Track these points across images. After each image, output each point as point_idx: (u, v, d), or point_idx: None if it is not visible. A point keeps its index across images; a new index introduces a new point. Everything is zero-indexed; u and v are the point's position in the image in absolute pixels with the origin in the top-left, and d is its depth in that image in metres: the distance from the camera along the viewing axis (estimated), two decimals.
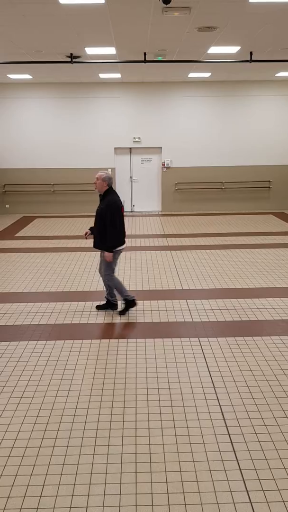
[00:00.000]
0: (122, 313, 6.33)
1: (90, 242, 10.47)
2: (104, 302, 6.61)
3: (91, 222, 12.96)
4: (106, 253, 5.98)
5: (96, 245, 6.13)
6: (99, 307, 6.50)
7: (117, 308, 6.47)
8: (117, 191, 14.57)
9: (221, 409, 4.07)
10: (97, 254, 9.43)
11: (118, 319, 6.14)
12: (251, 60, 9.63)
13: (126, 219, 13.50)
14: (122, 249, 6.16)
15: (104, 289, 6.59)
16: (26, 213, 14.69)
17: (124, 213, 6.24)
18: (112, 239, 5.94)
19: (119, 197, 6.11)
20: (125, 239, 6.22)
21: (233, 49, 9.17)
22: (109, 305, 6.48)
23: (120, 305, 6.48)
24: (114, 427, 3.82)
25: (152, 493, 3.10)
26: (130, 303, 6.33)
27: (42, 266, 8.67)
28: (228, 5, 6.28)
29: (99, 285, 7.51)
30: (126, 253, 9.50)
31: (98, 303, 6.71)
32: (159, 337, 5.57)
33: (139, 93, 14.01)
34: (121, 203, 6.08)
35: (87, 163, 14.46)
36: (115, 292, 6.39)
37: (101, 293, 7.12)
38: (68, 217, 13.88)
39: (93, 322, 6.07)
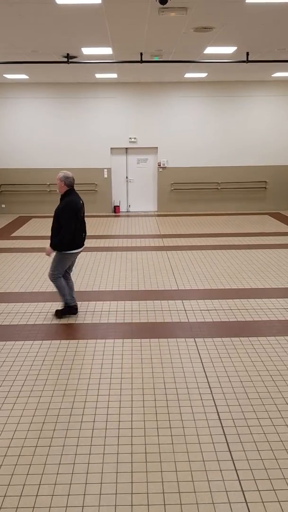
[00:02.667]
0: (58, 315, 6.23)
1: (86, 242, 10.47)
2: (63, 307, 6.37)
3: (87, 222, 12.96)
4: (48, 248, 5.85)
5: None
6: (58, 314, 6.27)
7: (76, 312, 6.33)
8: (112, 191, 14.68)
9: (216, 409, 4.08)
10: (87, 255, 9.42)
11: (114, 319, 6.15)
12: (247, 61, 9.65)
13: (122, 219, 13.50)
14: (79, 252, 6.07)
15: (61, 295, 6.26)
16: (22, 213, 14.67)
17: (84, 214, 6.04)
18: (62, 240, 5.77)
19: (79, 198, 5.99)
20: (84, 242, 6.12)
21: (230, 50, 9.18)
22: (69, 310, 6.32)
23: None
24: (109, 427, 3.83)
25: (147, 493, 3.11)
26: (70, 308, 6.28)
27: (38, 266, 8.66)
28: (225, 5, 6.29)
29: (94, 285, 7.51)
30: (122, 253, 9.51)
31: (93, 303, 6.71)
32: (155, 337, 5.58)
33: (136, 93, 14.01)
34: (81, 204, 5.95)
35: (83, 163, 14.45)
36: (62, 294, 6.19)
37: (95, 294, 7.12)
38: None
39: (89, 322, 6.07)
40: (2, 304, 6.73)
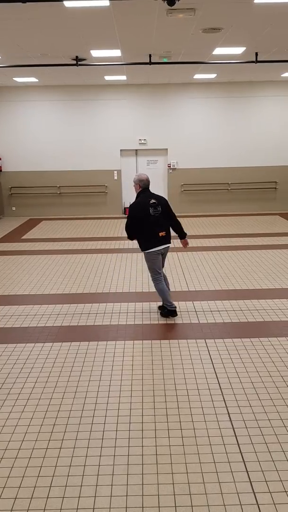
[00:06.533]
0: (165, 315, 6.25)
1: (94, 244, 10.50)
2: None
3: (97, 224, 12.99)
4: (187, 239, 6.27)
5: (169, 241, 6.09)
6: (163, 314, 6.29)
7: (176, 314, 6.23)
8: (123, 193, 14.70)
9: (227, 410, 4.06)
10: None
11: (124, 321, 6.15)
12: (256, 61, 9.62)
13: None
14: (158, 250, 6.00)
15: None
16: (33, 215, 14.73)
17: (157, 213, 6.09)
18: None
19: (150, 197, 6.12)
20: (162, 241, 6.08)
21: (238, 50, 9.16)
22: (169, 312, 6.24)
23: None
24: (120, 429, 3.83)
25: (158, 495, 3.10)
26: (171, 312, 6.21)
27: (49, 268, 8.69)
28: (233, 6, 6.28)
29: (105, 287, 7.52)
30: (132, 254, 9.50)
31: (104, 305, 6.72)
32: (165, 339, 5.57)
33: (145, 95, 14.02)
34: (149, 204, 6.02)
35: (93, 165, 14.48)
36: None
37: (104, 296, 7.13)
38: (74, 219, 13.91)
39: (100, 324, 6.07)
40: (13, 306, 6.76)
